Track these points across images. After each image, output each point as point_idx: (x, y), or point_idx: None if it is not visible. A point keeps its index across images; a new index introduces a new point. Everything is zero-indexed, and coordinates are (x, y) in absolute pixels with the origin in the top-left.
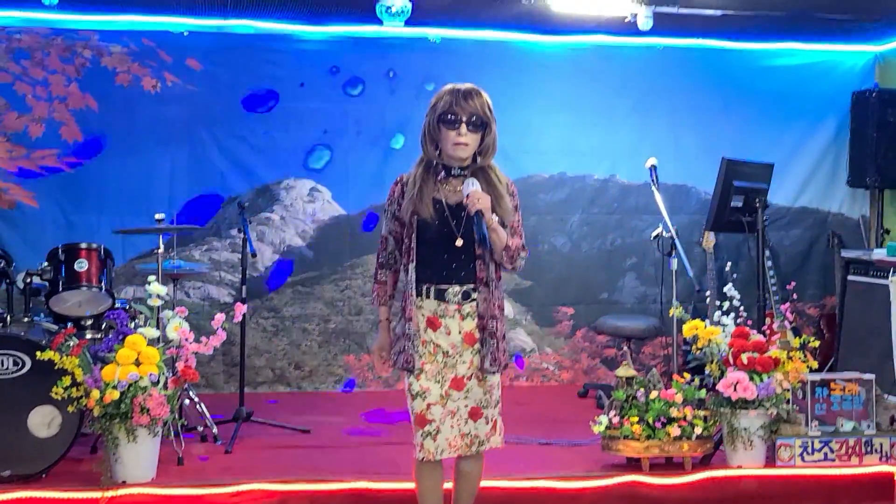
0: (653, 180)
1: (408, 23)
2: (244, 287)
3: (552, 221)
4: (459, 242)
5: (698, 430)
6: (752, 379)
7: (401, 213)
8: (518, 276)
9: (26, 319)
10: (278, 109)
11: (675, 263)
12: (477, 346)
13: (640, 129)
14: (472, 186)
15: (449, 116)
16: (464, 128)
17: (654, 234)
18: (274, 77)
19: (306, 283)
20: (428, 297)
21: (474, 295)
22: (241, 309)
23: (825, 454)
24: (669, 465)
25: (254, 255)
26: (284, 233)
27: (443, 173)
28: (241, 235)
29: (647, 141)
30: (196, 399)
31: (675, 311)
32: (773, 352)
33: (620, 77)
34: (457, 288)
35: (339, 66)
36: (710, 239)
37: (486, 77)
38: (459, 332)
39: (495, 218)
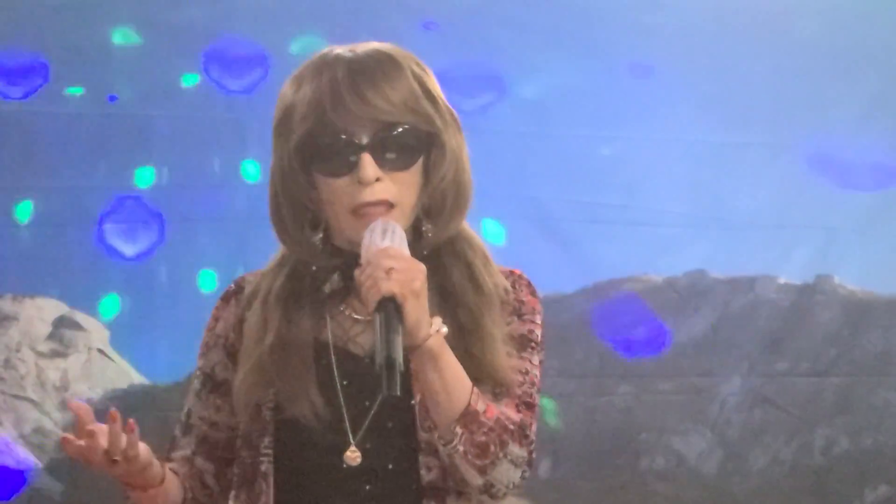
0: None
1: None
2: None
3: None
4: (355, 457)
5: None
6: None
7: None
8: None
9: None
10: None
11: None
12: None
13: None
14: (386, 236)
15: (324, 145)
16: (368, 164)
17: None
18: None
19: None
20: None
21: None
22: None
23: None
24: None
25: None
26: None
27: (335, 280)
28: None
29: None
30: None
31: None
32: None
33: None
34: None
35: None
36: None
37: None
38: None
39: (443, 329)
